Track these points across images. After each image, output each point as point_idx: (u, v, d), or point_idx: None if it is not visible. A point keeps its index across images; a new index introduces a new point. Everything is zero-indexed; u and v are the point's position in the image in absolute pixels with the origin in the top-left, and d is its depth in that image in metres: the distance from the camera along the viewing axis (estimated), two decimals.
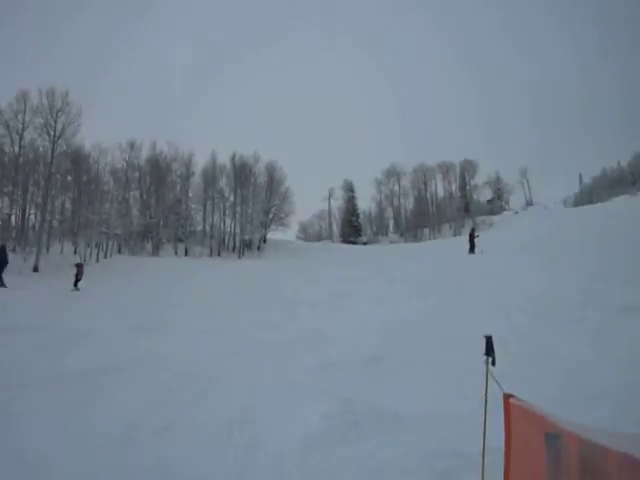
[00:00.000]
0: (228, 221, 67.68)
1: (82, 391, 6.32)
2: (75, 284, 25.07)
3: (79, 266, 27.05)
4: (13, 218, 49.67)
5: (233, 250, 63.92)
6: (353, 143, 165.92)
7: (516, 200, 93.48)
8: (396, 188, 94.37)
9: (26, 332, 10.13)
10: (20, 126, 45.80)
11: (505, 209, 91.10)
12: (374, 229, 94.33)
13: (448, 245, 48.57)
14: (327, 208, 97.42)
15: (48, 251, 48.57)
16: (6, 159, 47.51)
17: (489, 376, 3.96)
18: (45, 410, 5.64)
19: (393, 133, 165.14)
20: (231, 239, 66.36)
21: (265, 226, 67.93)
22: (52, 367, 7.45)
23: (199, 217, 67.53)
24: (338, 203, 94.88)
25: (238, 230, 65.72)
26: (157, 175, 64.21)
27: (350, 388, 6.06)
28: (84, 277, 26.20)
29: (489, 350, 4.10)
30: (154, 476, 3.98)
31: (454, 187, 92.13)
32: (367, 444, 4.51)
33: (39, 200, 50.64)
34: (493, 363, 4.05)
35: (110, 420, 5.32)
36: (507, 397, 3.44)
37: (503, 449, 3.49)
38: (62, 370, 7.29)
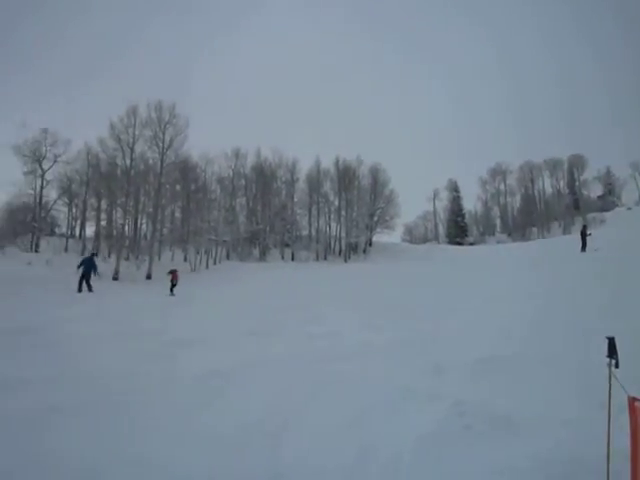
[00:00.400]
0: (333, 225, 68.34)
1: (198, 395, 6.32)
2: (171, 290, 26.18)
3: (173, 272, 28.07)
4: (126, 228, 51.59)
5: (339, 254, 64.16)
6: (456, 142, 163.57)
7: (629, 196, 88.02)
8: (502, 187, 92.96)
9: (138, 338, 10.31)
10: (131, 140, 47.50)
11: (617, 205, 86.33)
12: (480, 229, 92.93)
13: (558, 244, 46.93)
14: (432, 209, 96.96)
15: (160, 259, 50.28)
16: (119, 172, 49.47)
17: (612, 379, 3.73)
18: (162, 412, 5.66)
19: (497, 131, 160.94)
20: (337, 243, 66.57)
21: (370, 229, 68.01)
22: (168, 372, 7.50)
23: (304, 222, 68.57)
24: (443, 204, 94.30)
25: (343, 234, 65.99)
26: (262, 182, 65.60)
27: (461, 391, 5.80)
28: (179, 282, 27.70)
29: (612, 352, 3.88)
30: (270, 477, 3.93)
31: (562, 184, 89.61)
32: (480, 448, 4.32)
33: (150, 210, 52.46)
34: (617, 365, 3.84)
35: (226, 422, 5.28)
36: (632, 400, 3.30)
37: (628, 454, 3.29)
38: (178, 375, 7.34)
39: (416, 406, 5.41)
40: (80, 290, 24.31)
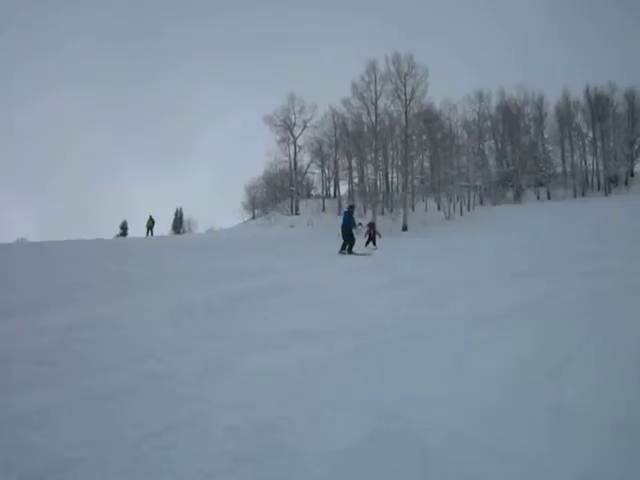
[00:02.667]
0: (589, 158, 63.89)
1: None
2: (367, 244, 23.48)
3: (371, 225, 25.06)
4: (378, 183, 52.67)
5: (598, 188, 60.24)
6: None
7: None
8: None
9: (412, 285, 10.28)
10: (373, 96, 48.39)
11: None
12: None
13: None
14: None
15: (414, 210, 50.81)
16: (365, 129, 50.58)
17: None
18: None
19: None
20: (594, 177, 62.52)
21: (631, 159, 62.69)
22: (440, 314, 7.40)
23: (557, 158, 64.72)
24: None
25: (601, 167, 61.56)
26: (509, 121, 63.14)
27: None
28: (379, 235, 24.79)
29: None
30: (553, 419, 3.69)
31: None
32: None
33: (399, 163, 53.16)
34: None
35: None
36: None
37: None
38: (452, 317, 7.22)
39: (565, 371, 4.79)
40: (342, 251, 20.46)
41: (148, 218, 39.69)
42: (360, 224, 21.72)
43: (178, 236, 53.63)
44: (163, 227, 67.59)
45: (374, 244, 23.58)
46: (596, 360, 4.98)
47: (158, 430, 3.67)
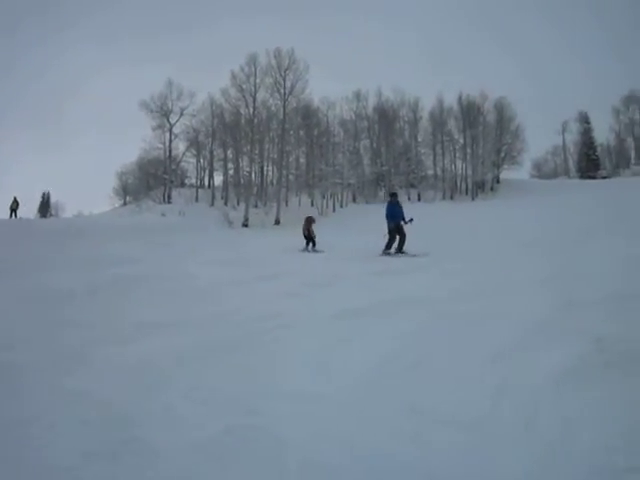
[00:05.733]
0: (459, 163, 66.41)
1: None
2: (308, 244, 20.28)
3: (308, 221, 21.10)
4: (253, 176, 52.48)
5: (466, 192, 62.66)
6: (585, 71, 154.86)
7: None
8: (637, 116, 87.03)
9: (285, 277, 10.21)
10: (252, 88, 48.10)
11: None
12: (614, 162, 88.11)
13: None
14: (561, 143, 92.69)
15: (287, 204, 51.02)
16: (243, 121, 50.28)
17: None
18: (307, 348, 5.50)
19: (629, 53, 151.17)
20: (463, 181, 65.01)
21: (497, 166, 65.86)
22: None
23: (429, 161, 67.08)
24: (573, 137, 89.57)
25: (470, 172, 64.05)
26: (385, 123, 64.50)
27: (601, 328, 5.32)
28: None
29: None
30: (407, 413, 3.84)
31: None
32: (621, 385, 4.02)
33: (275, 156, 53.26)
34: None
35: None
36: None
37: None
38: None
39: (554, 342, 5.05)
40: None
41: (12, 200, 37.83)
42: (412, 219, 16.59)
43: (44, 220, 51.66)
44: (29, 210, 64.88)
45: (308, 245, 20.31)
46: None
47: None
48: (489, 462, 3.11)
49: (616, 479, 2.81)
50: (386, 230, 16.35)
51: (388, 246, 15.85)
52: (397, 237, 16.09)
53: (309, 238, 20.45)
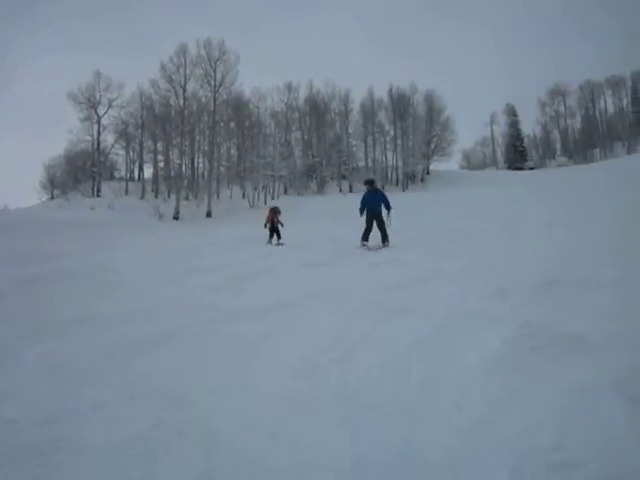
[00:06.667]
0: (390, 155, 67.52)
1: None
2: (271, 236, 18.93)
3: (273, 211, 19.58)
4: (184, 168, 51.94)
5: (397, 184, 63.41)
6: (513, 63, 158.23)
7: None
8: (562, 108, 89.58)
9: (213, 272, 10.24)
10: (182, 79, 47.58)
11: None
12: (540, 153, 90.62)
13: (623, 164, 45.58)
14: (489, 134, 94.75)
15: (218, 197, 50.72)
16: (173, 112, 49.67)
17: None
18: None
19: (555, 49, 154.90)
20: (394, 173, 65.83)
21: (427, 157, 67.07)
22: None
23: (361, 153, 68.07)
24: (501, 129, 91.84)
25: (400, 163, 65.07)
26: (316, 115, 65.10)
27: (527, 313, 5.51)
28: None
29: None
30: (337, 402, 3.85)
31: (625, 102, 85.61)
32: (549, 368, 4.11)
33: (206, 148, 52.90)
34: None
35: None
36: None
37: None
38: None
39: (484, 328, 5.16)
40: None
41: None
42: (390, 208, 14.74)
43: None
44: None
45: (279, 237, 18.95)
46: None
47: None
48: (418, 444, 3.19)
49: (542, 458, 2.92)
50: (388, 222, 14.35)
51: (365, 236, 14.09)
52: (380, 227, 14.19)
53: (273, 230, 18.97)
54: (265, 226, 19.09)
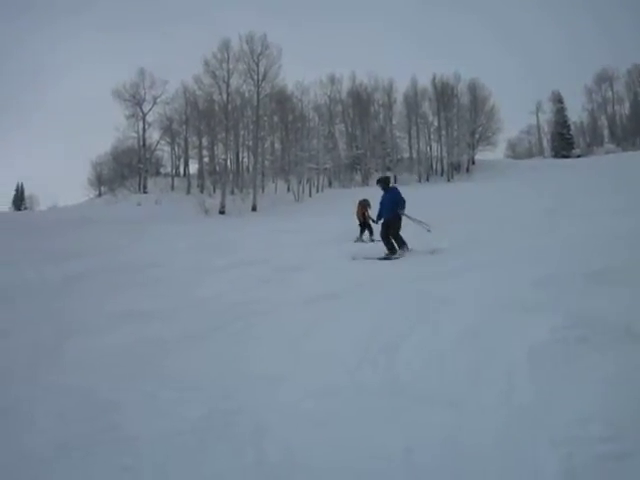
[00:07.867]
0: (434, 145, 66.60)
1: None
2: (362, 232, 17.17)
3: (363, 205, 17.55)
4: (229, 163, 52.18)
5: (441, 174, 62.88)
6: (558, 50, 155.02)
7: None
8: (609, 94, 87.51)
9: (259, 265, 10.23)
10: (225, 74, 47.52)
11: None
12: (587, 140, 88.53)
13: None
14: (535, 123, 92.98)
15: (263, 191, 50.81)
16: (216, 107, 49.82)
17: None
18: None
19: (602, 32, 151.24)
20: (438, 163, 65.26)
21: (472, 147, 66.04)
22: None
23: (405, 144, 67.28)
24: (547, 116, 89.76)
25: (445, 153, 64.39)
26: (359, 106, 64.88)
27: (572, 303, 5.39)
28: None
29: None
30: (385, 393, 3.90)
31: None
32: (598, 359, 4.03)
33: (250, 143, 52.87)
34: None
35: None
36: None
37: None
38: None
39: (532, 317, 5.02)
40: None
41: None
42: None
43: (19, 213, 51.32)
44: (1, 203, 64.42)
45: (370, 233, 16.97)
46: None
47: None
48: (467, 433, 3.19)
49: (593, 447, 2.88)
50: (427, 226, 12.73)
51: (394, 247, 11.73)
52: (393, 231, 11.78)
53: (365, 225, 17.18)
54: (359, 221, 17.36)
